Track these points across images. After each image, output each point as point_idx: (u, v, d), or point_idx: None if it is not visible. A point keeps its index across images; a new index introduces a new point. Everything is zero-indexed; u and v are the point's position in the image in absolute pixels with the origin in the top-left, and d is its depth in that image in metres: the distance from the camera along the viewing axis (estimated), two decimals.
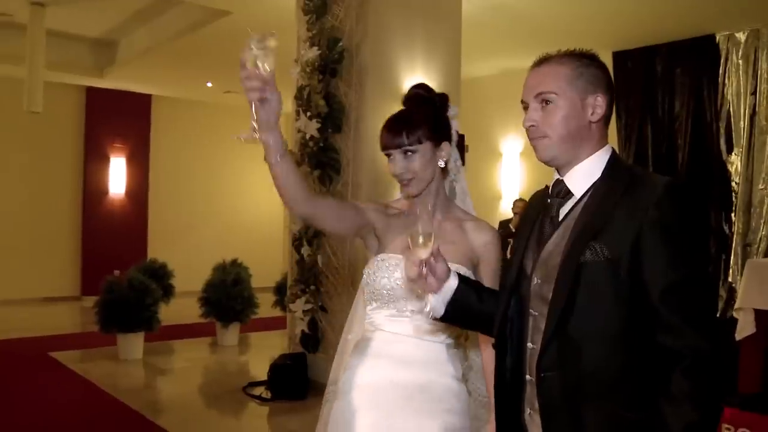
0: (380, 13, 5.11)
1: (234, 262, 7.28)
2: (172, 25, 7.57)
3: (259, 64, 1.44)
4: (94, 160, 10.15)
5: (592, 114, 1.47)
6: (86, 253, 10.06)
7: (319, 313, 5.28)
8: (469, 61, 7.73)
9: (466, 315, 1.62)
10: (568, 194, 1.51)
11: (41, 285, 9.74)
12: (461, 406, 1.82)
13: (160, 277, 7.53)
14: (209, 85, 9.77)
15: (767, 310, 3.89)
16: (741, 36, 6.54)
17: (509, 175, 8.45)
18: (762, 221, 6.42)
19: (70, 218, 10.08)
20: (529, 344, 1.50)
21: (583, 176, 1.49)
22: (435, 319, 1.60)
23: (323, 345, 5.31)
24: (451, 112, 1.93)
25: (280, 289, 7.35)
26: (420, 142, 1.81)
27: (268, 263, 10.02)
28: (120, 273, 6.56)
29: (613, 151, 1.53)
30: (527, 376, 1.49)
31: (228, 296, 6.97)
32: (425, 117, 1.84)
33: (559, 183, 1.53)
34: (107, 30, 8.47)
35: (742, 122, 6.53)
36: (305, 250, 5.31)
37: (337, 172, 5.22)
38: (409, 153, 1.81)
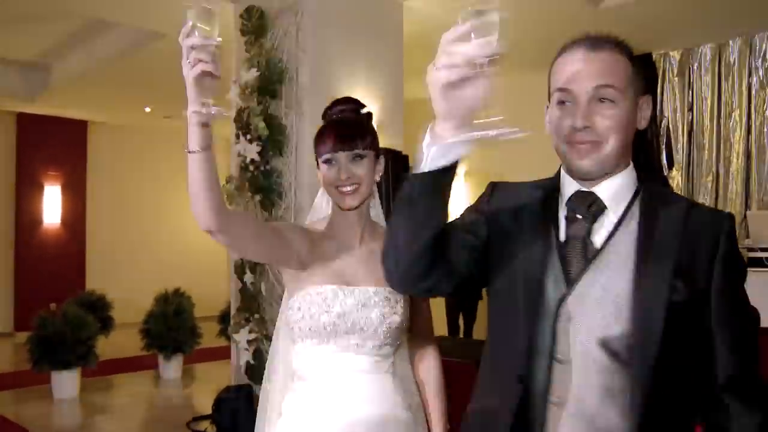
0: (320, 33, 5.02)
1: (176, 292, 7.04)
2: (107, 48, 7.33)
3: (201, 32, 1.31)
4: (26, 188, 9.71)
5: (642, 120, 1.26)
6: (19, 286, 9.58)
7: (265, 343, 5.09)
8: (412, 81, 7.71)
9: (434, 203, 1.17)
10: (601, 211, 1.23)
11: None
12: None
13: (98, 309, 7.25)
14: (147, 110, 9.51)
15: None
16: (676, 54, 6.68)
17: (453, 197, 8.41)
18: None
19: (2, 249, 9.60)
20: (554, 398, 1.18)
21: (619, 191, 1.25)
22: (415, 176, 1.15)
23: None
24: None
25: (224, 318, 7.13)
26: (370, 149, 1.71)
27: (212, 291, 9.72)
28: (56, 306, 6.25)
29: (633, 163, 1.30)
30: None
31: (170, 327, 6.71)
32: (369, 126, 1.76)
33: (589, 195, 1.24)
34: (39, 53, 8.15)
35: (681, 138, 6.65)
36: (248, 278, 5.13)
37: (279, 196, 5.07)
38: (358, 158, 1.69)
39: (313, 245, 1.74)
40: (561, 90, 1.21)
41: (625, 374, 1.13)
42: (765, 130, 6.17)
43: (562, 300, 1.19)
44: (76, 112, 9.73)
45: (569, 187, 1.27)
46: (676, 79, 6.68)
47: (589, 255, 1.20)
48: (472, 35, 1.02)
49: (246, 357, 5.12)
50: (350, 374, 1.69)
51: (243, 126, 5.14)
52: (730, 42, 6.33)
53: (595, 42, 1.22)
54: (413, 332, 1.81)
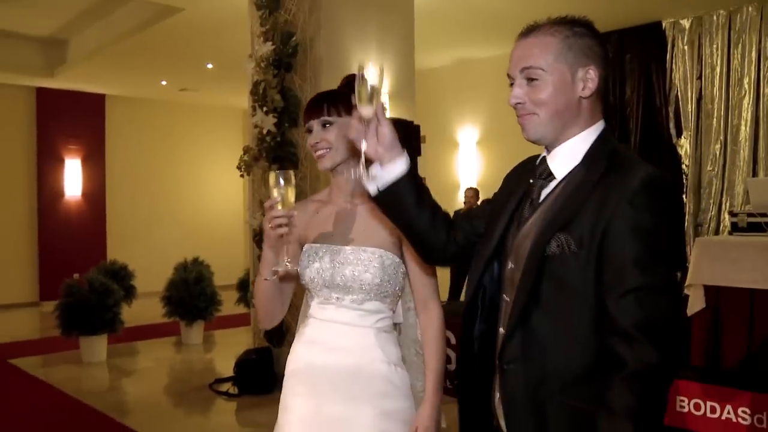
0: (333, 6, 5.13)
1: (195, 261, 7.24)
2: (123, 22, 7.46)
3: (280, 197, 1.67)
4: (48, 162, 9.96)
5: (583, 89, 1.36)
6: (43, 257, 9.88)
7: None
8: (424, 51, 7.80)
9: (398, 211, 1.53)
10: (550, 176, 1.42)
11: None
12: (395, 389, 1.80)
13: (120, 279, 7.45)
14: (164, 83, 9.66)
15: (716, 286, 4.05)
16: (686, 23, 6.73)
17: (466, 165, 8.55)
18: (711, 202, 6.62)
19: (26, 222, 9.88)
20: (501, 329, 1.44)
21: (567, 157, 1.40)
22: (370, 197, 1.53)
23: (288, 338, 5.33)
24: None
25: (242, 285, 7.34)
26: (339, 115, 1.83)
27: (229, 261, 9.98)
28: (79, 276, 6.48)
29: (605, 128, 1.42)
30: (497, 361, 1.42)
31: (191, 294, 6.93)
32: (347, 95, 1.82)
33: (543, 163, 1.44)
34: (57, 29, 8.30)
35: (689, 106, 6.72)
36: None
37: (294, 165, 5.23)
38: (327, 125, 1.83)
39: (309, 217, 1.93)
40: (508, 76, 1.42)
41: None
42: None
43: (511, 246, 1.45)
44: (94, 86, 9.91)
45: (542, 155, 1.48)
46: (685, 47, 6.74)
47: (532, 209, 1.43)
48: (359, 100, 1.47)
49: None
50: (333, 324, 1.84)
51: (259, 98, 5.29)
52: (742, 9, 6.36)
53: (528, 30, 1.40)
54: (415, 295, 1.90)
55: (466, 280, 1.61)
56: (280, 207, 1.67)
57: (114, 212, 10.56)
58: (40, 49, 8.81)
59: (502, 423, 1.42)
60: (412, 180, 1.50)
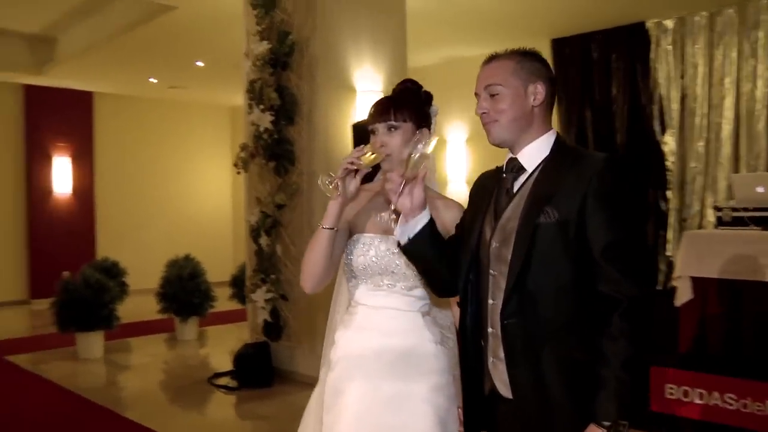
0: (328, 6, 5.23)
1: (187, 258, 7.30)
2: (114, 20, 7.47)
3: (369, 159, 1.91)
4: (36, 159, 9.93)
5: (534, 100, 1.71)
6: (33, 255, 9.86)
7: (280, 302, 5.40)
8: (414, 50, 7.89)
9: (423, 257, 1.81)
10: (521, 169, 1.73)
11: None
12: (441, 365, 1.99)
13: (113, 276, 7.50)
14: (153, 80, 9.68)
15: (703, 278, 4.21)
16: (669, 23, 6.89)
17: (455, 161, 8.68)
18: (695, 197, 6.80)
19: (15, 221, 9.85)
20: (490, 300, 1.71)
21: (533, 154, 1.72)
22: (399, 246, 1.80)
23: (286, 333, 5.43)
24: (432, 109, 2.09)
25: (236, 282, 7.41)
26: (404, 121, 1.97)
27: (219, 258, 10.04)
28: (69, 274, 6.51)
29: (558, 133, 1.77)
30: (489, 329, 1.71)
31: (185, 290, 7.00)
32: (410, 102, 2.02)
33: (513, 160, 1.76)
34: (45, 26, 8.28)
35: (673, 104, 6.89)
36: (263, 240, 5.41)
37: (291, 162, 5.33)
38: (392, 129, 1.97)
39: (361, 203, 2.07)
40: (475, 93, 1.75)
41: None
42: (755, 96, 6.42)
43: (493, 230, 1.73)
44: (83, 83, 9.89)
45: (508, 157, 1.79)
46: (669, 47, 6.91)
47: (509, 198, 1.73)
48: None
49: (263, 315, 5.43)
50: (384, 310, 2.00)
51: (256, 97, 5.38)
52: (723, 11, 6.54)
53: (490, 58, 1.76)
54: None
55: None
56: (363, 158, 1.88)
57: (103, 210, 10.56)
58: (28, 46, 8.78)
59: (498, 383, 1.70)
60: (434, 232, 1.79)
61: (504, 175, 1.77)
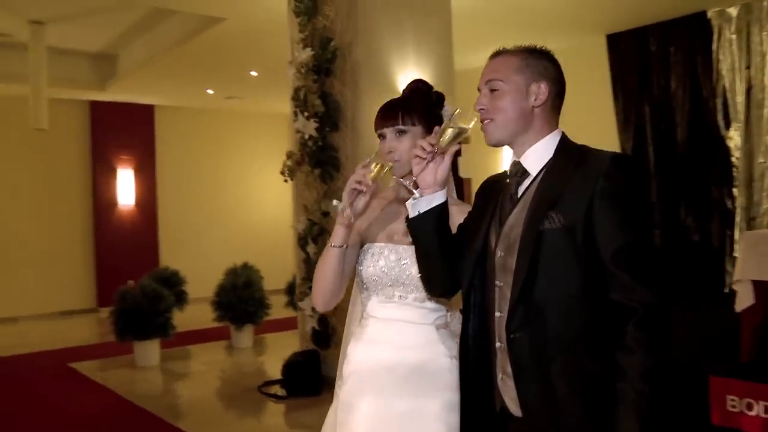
0: (369, 10, 5.18)
1: (245, 265, 7.38)
2: (169, 35, 7.66)
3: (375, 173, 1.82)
4: (102, 172, 10.27)
5: (535, 100, 1.60)
6: (100, 264, 10.20)
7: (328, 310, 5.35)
8: (463, 52, 7.77)
9: (426, 239, 1.71)
10: (525, 173, 1.63)
11: (58, 299, 9.88)
12: (455, 381, 1.87)
13: (172, 284, 7.65)
14: (210, 92, 9.88)
15: (765, 281, 3.94)
16: (733, 11, 6.56)
17: (503, 166, 8.48)
18: (764, 195, 6.43)
19: (83, 232, 10.21)
20: (497, 313, 1.61)
21: (537, 157, 1.62)
22: (406, 220, 1.71)
23: (334, 340, 5.39)
24: (445, 111, 1.98)
25: (290, 289, 7.45)
26: (413, 125, 1.89)
27: (278, 265, 10.10)
28: (134, 283, 6.67)
29: (563, 134, 1.66)
30: (497, 344, 1.60)
31: (240, 299, 7.07)
32: (420, 104, 1.93)
33: (516, 164, 1.65)
34: (106, 44, 8.59)
35: (738, 97, 6.55)
36: (310, 248, 5.39)
37: (336, 169, 5.31)
38: (401, 134, 1.88)
39: (374, 210, 1.98)
40: (478, 88, 1.65)
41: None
42: None
43: (497, 237, 1.63)
44: (143, 97, 10.19)
45: (512, 160, 1.69)
46: (733, 36, 6.56)
47: (513, 204, 1.63)
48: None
49: (312, 323, 5.41)
50: (396, 323, 1.91)
51: (300, 104, 5.37)
52: None
53: (497, 52, 1.65)
54: None
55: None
56: (368, 175, 1.80)
57: (165, 219, 10.83)
58: (92, 64, 9.11)
59: (507, 400, 1.59)
60: (444, 218, 1.70)
61: (508, 179, 1.67)
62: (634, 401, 1.42)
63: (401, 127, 1.88)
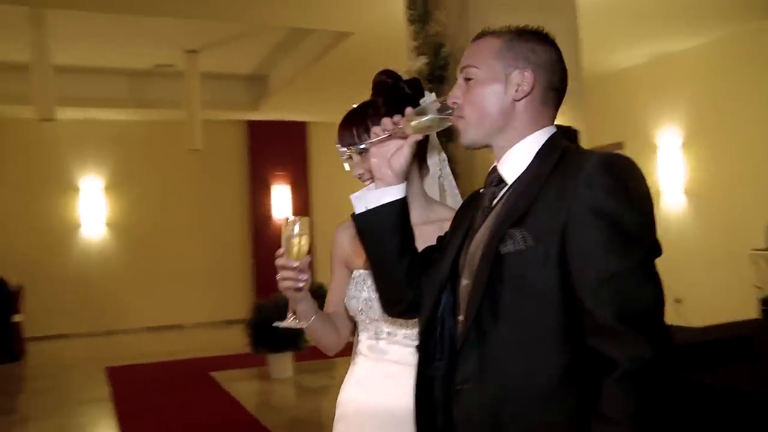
0: (483, 10, 4.88)
1: None
2: (308, 52, 7.88)
3: (296, 248, 1.54)
4: (258, 188, 10.78)
5: (516, 91, 1.28)
6: (257, 277, 10.68)
7: None
8: (613, 50, 7.20)
9: (377, 240, 1.39)
10: (501, 182, 1.32)
11: (221, 309, 10.46)
12: None
13: (316, 298, 7.75)
14: (355, 106, 9.98)
15: None
16: None
17: (669, 170, 7.69)
18: None
19: (242, 245, 10.77)
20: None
21: (516, 161, 1.30)
22: (352, 216, 1.42)
23: None
24: (427, 100, 1.64)
25: None
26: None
27: None
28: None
29: (555, 132, 1.32)
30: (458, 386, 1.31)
31: None
32: (385, 109, 1.62)
33: (493, 171, 1.35)
34: (257, 65, 9.02)
35: None
36: None
37: (455, 178, 5.05)
38: (362, 152, 1.58)
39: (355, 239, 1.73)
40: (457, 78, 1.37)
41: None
42: None
43: (459, 250, 1.33)
44: (295, 114, 10.56)
45: (494, 164, 1.37)
46: None
47: (483, 217, 1.32)
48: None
49: None
50: (383, 363, 1.65)
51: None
52: None
53: (477, 35, 1.37)
54: None
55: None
56: (289, 257, 1.55)
57: (320, 234, 11.04)
58: (245, 86, 9.62)
59: None
60: (403, 216, 1.38)
61: (481, 190, 1.37)
62: None
63: (361, 146, 1.49)
